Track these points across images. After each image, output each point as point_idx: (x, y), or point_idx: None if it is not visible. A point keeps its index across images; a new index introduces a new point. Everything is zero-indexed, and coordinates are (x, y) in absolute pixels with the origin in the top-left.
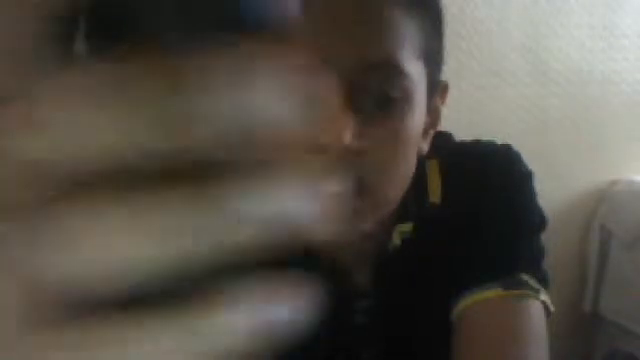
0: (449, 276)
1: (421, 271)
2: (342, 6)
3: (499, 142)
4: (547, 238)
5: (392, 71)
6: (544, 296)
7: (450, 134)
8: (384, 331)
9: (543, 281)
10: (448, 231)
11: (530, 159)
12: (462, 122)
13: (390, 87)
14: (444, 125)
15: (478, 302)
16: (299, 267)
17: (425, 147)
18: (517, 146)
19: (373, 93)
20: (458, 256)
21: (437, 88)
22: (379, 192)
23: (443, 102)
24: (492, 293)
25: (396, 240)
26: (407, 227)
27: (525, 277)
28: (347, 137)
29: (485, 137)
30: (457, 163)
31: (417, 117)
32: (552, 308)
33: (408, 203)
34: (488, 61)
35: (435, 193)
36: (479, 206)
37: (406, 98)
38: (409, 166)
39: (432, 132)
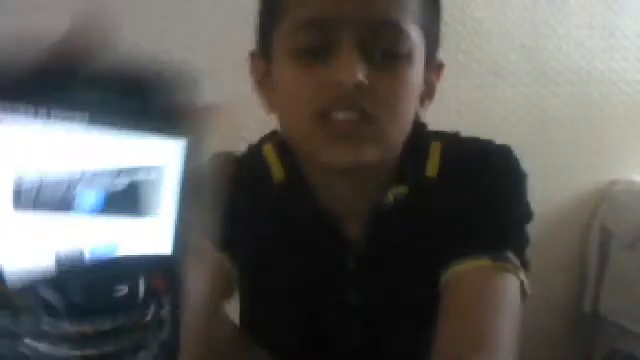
0: (438, 246)
1: (411, 234)
2: None
3: (500, 142)
4: (547, 238)
5: (396, 30)
6: (523, 276)
7: (459, 133)
8: (372, 278)
9: (525, 265)
10: (441, 205)
11: (530, 159)
12: (462, 122)
13: (395, 44)
14: (445, 126)
15: (466, 270)
16: (290, 214)
17: (422, 113)
18: (517, 146)
19: (381, 47)
20: (449, 230)
21: (433, 63)
22: (381, 123)
23: (438, 79)
24: (480, 263)
25: (390, 198)
26: (402, 190)
27: (511, 256)
28: (359, 75)
29: (485, 137)
30: (459, 150)
31: (415, 75)
32: (529, 291)
33: (406, 169)
34: (488, 61)
35: (433, 169)
36: (475, 191)
37: (407, 55)
38: (406, 114)
39: (428, 103)
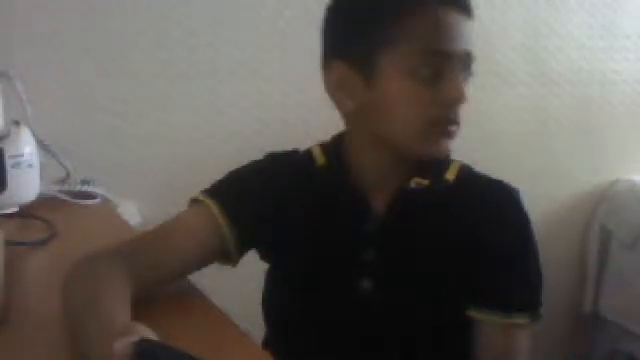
0: (452, 249)
1: (424, 216)
2: (457, 22)
3: (500, 145)
4: (547, 238)
5: (472, 57)
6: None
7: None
8: (387, 240)
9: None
10: (455, 206)
11: (530, 159)
12: (462, 122)
13: (471, 66)
14: None
15: (506, 324)
16: (327, 188)
17: None
18: (517, 146)
19: (468, 70)
20: (473, 256)
21: None
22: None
23: None
24: (519, 320)
25: (412, 185)
26: (424, 181)
27: (540, 311)
28: (467, 95)
29: (485, 137)
30: (472, 172)
31: None
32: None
33: (428, 170)
34: (488, 61)
35: (452, 176)
36: (493, 222)
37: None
38: None
39: None
